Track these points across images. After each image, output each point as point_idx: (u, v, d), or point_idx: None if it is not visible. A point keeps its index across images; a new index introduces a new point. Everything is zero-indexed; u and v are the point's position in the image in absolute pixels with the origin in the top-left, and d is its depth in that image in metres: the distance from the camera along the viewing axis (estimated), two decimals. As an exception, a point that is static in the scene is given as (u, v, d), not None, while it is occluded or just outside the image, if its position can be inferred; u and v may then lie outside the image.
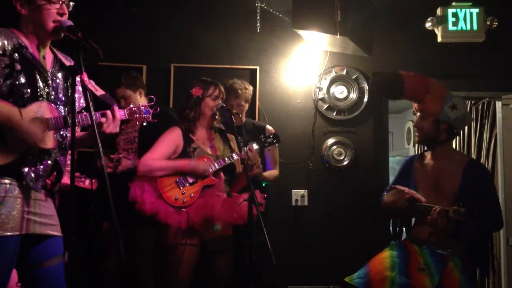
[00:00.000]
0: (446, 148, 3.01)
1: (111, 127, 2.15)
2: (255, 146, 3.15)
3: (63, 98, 2.18)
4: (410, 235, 3.03)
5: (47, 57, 2.17)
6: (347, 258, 3.88)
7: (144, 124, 2.40)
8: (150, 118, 2.36)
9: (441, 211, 2.66)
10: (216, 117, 3.20)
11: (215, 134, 3.26)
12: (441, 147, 2.99)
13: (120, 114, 2.23)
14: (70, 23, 2.05)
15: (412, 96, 3.01)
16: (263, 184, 3.63)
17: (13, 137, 1.96)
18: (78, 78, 1.93)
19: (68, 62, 2.25)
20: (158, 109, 2.39)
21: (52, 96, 2.12)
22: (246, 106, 3.69)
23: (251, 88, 3.71)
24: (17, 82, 2.00)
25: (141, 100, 3.49)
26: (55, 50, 2.24)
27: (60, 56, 2.25)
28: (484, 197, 2.80)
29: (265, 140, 3.21)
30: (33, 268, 2.08)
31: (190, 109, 3.17)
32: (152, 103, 2.38)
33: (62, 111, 2.16)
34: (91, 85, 1.99)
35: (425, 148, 3.15)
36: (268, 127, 3.72)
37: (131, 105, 2.33)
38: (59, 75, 2.18)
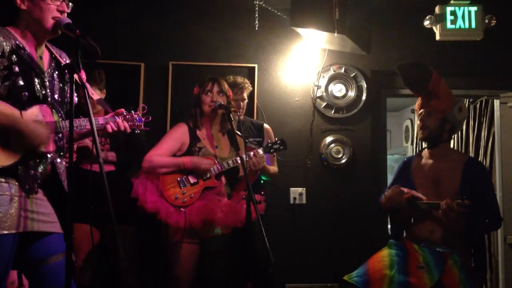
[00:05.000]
0: (445, 148, 3.03)
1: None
2: (260, 151, 3.14)
3: (59, 98, 2.17)
4: (409, 234, 3.03)
5: (44, 56, 2.16)
6: (345, 256, 3.89)
7: (137, 131, 2.42)
8: (142, 126, 2.39)
9: (449, 203, 2.68)
10: (218, 113, 3.17)
11: (223, 136, 3.23)
12: (442, 147, 3.01)
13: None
14: (68, 20, 2.06)
15: (433, 90, 2.97)
16: (261, 181, 3.63)
17: (16, 138, 1.95)
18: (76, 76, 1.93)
19: (62, 59, 2.25)
20: (150, 117, 2.42)
21: (49, 98, 2.12)
22: (245, 102, 3.71)
23: (250, 85, 3.75)
24: (15, 85, 1.99)
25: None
26: (50, 46, 2.23)
27: (55, 53, 2.24)
28: (485, 195, 2.82)
29: (272, 146, 3.20)
30: (40, 265, 2.08)
31: (192, 107, 3.21)
32: (145, 111, 2.40)
33: (59, 111, 2.15)
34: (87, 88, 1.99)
35: (424, 146, 3.15)
36: (266, 126, 3.72)
37: (125, 113, 2.34)
38: (55, 75, 2.18)
